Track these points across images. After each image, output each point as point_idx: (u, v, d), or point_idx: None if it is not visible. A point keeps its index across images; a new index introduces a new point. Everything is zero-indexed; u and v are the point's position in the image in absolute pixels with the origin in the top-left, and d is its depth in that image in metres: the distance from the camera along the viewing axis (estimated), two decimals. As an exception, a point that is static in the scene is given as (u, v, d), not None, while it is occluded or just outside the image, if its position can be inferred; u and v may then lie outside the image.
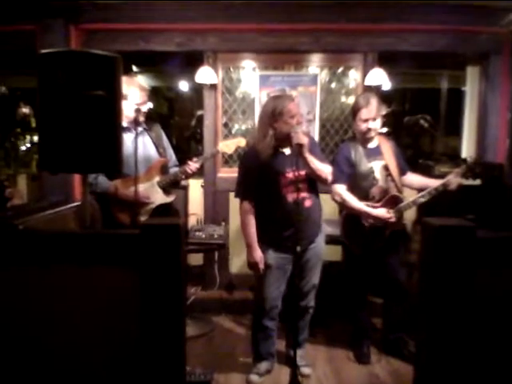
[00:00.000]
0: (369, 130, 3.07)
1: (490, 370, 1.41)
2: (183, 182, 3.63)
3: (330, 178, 2.85)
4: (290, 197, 2.80)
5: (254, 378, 2.97)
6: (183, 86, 6.77)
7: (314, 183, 2.90)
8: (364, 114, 3.05)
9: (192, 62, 4.40)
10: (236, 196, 2.95)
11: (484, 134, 4.34)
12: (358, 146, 3.13)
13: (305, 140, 2.63)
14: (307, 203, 2.83)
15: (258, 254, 2.87)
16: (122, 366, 1.41)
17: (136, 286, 1.35)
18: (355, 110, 3.11)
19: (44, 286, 1.40)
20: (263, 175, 2.84)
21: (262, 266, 2.87)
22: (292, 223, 2.72)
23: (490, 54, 4.23)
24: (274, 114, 2.78)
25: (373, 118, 3.05)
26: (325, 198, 3.09)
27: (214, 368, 3.01)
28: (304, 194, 2.81)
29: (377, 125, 3.08)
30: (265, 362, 3.04)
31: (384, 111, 3.21)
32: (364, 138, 3.13)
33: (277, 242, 2.89)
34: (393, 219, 3.03)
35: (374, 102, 3.05)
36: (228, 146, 3.27)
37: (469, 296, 1.35)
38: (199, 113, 6.13)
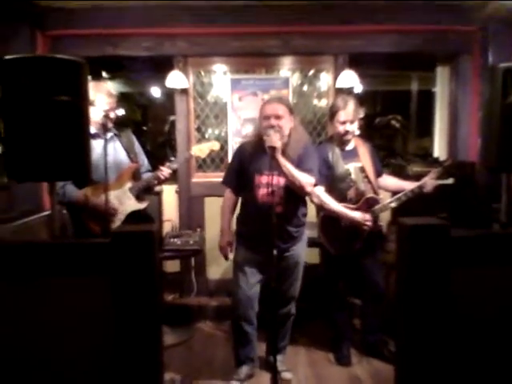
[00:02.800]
0: (346, 132, 3.06)
1: (470, 366, 1.41)
2: (157, 188, 3.58)
3: (307, 188, 2.76)
4: (262, 199, 2.81)
5: (234, 384, 2.94)
6: (155, 91, 6.72)
7: (295, 193, 2.81)
8: (341, 116, 3.04)
9: (163, 67, 4.36)
10: (221, 182, 3.08)
11: (455, 133, 4.39)
12: (335, 148, 3.13)
13: (278, 143, 2.58)
14: (278, 209, 2.71)
15: (225, 239, 2.99)
16: (97, 377, 1.37)
17: (109, 296, 1.32)
18: (333, 111, 3.10)
19: (14, 297, 1.36)
20: (244, 171, 2.91)
21: (227, 250, 3.01)
22: (260, 225, 2.74)
23: (460, 53, 4.29)
24: (259, 114, 2.86)
25: (350, 120, 3.05)
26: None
27: (194, 376, 2.96)
28: (277, 200, 2.69)
29: (354, 127, 3.09)
30: (245, 366, 3.01)
31: (362, 114, 3.22)
32: (341, 140, 3.13)
33: (247, 239, 2.94)
34: (369, 223, 3.04)
35: (351, 104, 3.05)
36: (201, 150, 3.23)
37: (445, 294, 1.35)
38: (172, 118, 6.08)
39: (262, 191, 2.81)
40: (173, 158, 3.29)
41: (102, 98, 2.91)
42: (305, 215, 3.00)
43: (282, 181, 2.77)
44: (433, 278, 1.35)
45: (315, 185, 2.87)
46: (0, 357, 1.37)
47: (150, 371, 1.35)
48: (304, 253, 3.03)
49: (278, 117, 2.75)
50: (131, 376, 1.34)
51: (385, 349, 3.25)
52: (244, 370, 3.00)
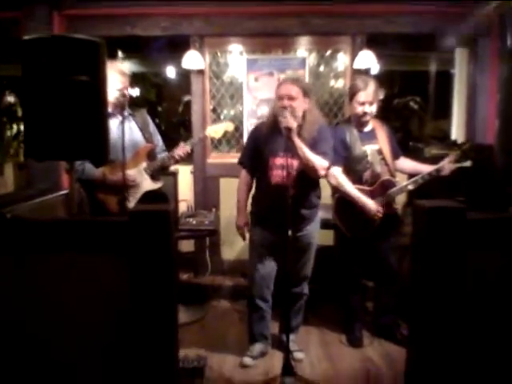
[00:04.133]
0: (365, 113, 3.04)
1: (482, 350, 1.41)
2: (172, 168, 3.60)
3: (320, 172, 2.75)
4: (275, 179, 2.82)
5: (247, 360, 2.98)
6: (170, 71, 6.70)
7: (308, 176, 2.80)
8: (361, 96, 3.02)
9: (179, 47, 4.35)
10: (237, 162, 3.09)
11: (473, 115, 4.34)
12: (353, 129, 3.11)
13: (293, 124, 2.59)
14: (291, 191, 2.63)
15: (242, 219, 3.03)
16: (114, 353, 1.40)
17: (126, 273, 1.34)
18: (353, 92, 3.07)
19: (33, 273, 1.39)
20: (259, 152, 2.90)
21: (244, 230, 3.04)
22: (273, 207, 2.75)
23: (479, 35, 4.21)
24: (274, 95, 2.85)
25: (370, 101, 3.02)
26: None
27: (208, 353, 3.01)
28: (290, 182, 2.64)
29: (373, 109, 3.06)
30: (258, 343, 3.06)
31: (381, 96, 3.18)
32: (359, 122, 3.10)
33: (261, 219, 2.97)
34: (380, 215, 3.04)
35: (372, 85, 3.02)
36: (216, 131, 3.24)
37: (460, 277, 1.35)
38: (186, 98, 6.07)
39: (276, 173, 2.81)
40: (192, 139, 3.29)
41: (115, 76, 2.88)
42: (318, 197, 3.00)
43: (295, 163, 2.76)
44: (448, 260, 1.35)
45: (328, 168, 2.86)
46: (18, 330, 1.41)
47: (166, 348, 1.38)
48: (317, 233, 3.03)
49: (291, 98, 2.73)
50: (147, 352, 1.37)
51: (397, 331, 3.26)
52: (257, 347, 3.05)
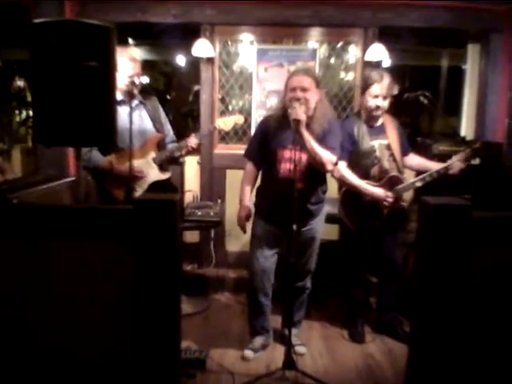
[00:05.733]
0: (377, 107, 3.00)
1: (485, 348, 1.40)
2: (180, 159, 3.59)
3: (328, 166, 2.73)
4: (283, 173, 2.79)
5: (248, 353, 2.98)
6: (180, 60, 6.67)
7: (316, 170, 2.79)
8: (375, 89, 2.98)
9: (189, 35, 4.33)
10: (243, 155, 3.05)
11: (483, 112, 4.31)
12: (362, 123, 3.08)
13: (302, 116, 2.56)
14: (298, 185, 2.61)
15: (244, 211, 2.98)
16: (115, 342, 1.41)
17: (131, 262, 1.34)
18: (367, 84, 3.02)
19: (39, 260, 1.39)
20: (267, 144, 2.88)
21: (245, 224, 3.00)
22: (280, 199, 2.72)
23: (491, 31, 4.17)
24: (284, 86, 2.82)
25: (383, 95, 2.99)
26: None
27: (210, 345, 3.02)
28: (298, 175, 2.60)
29: (385, 104, 3.02)
30: (259, 336, 3.06)
31: (395, 91, 3.14)
32: (370, 116, 3.07)
33: (266, 213, 2.95)
34: (390, 200, 3.01)
35: (387, 79, 2.98)
36: (226, 123, 3.22)
37: (465, 275, 1.34)
38: (196, 88, 6.05)
39: (284, 166, 2.79)
40: (200, 130, 3.28)
41: (125, 62, 2.84)
42: (324, 192, 2.98)
43: (304, 156, 2.74)
44: (453, 258, 1.34)
45: (336, 163, 2.84)
46: (21, 316, 1.41)
47: (168, 338, 1.38)
48: (321, 228, 3.02)
49: (304, 89, 2.70)
50: (149, 342, 1.37)
51: (399, 328, 3.25)
52: (258, 340, 3.05)
